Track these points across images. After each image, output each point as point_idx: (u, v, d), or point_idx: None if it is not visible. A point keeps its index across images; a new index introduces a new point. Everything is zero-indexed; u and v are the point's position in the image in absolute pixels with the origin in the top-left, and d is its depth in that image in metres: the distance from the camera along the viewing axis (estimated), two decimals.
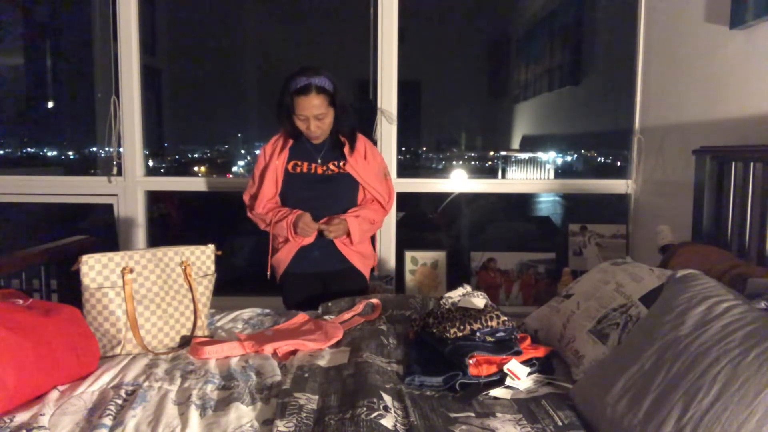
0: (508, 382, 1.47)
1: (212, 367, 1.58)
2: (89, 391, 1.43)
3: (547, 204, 3.59)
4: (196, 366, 1.60)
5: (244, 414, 1.31)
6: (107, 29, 2.97)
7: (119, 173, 3.02)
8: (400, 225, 3.09)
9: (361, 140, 2.33)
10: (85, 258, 1.70)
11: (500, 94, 3.62)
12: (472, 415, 1.32)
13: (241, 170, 3.59)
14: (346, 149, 2.28)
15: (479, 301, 1.68)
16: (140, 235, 3.07)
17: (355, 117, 2.32)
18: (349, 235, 2.26)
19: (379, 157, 2.40)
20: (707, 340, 1.13)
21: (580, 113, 3.52)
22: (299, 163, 2.29)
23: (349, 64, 3.25)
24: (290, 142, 2.29)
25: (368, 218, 2.30)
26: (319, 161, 2.29)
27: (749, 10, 1.95)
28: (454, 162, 3.56)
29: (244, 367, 1.58)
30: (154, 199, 3.19)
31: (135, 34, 2.95)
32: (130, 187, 3.02)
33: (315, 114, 2.15)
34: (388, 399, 1.33)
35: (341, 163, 2.28)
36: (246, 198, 2.38)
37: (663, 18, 2.71)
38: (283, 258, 2.30)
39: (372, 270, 2.49)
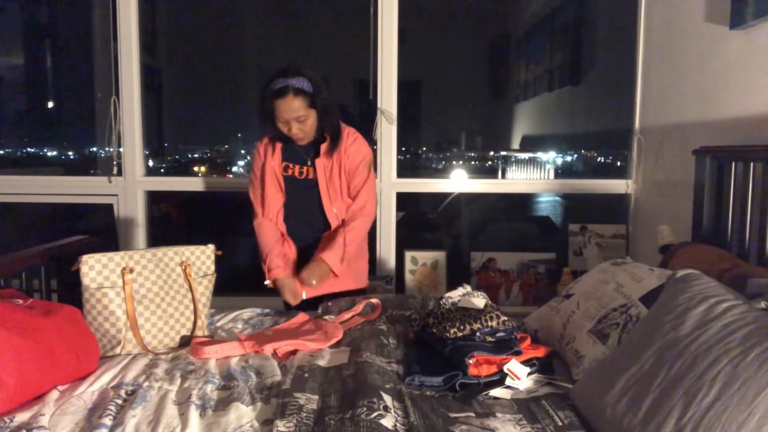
0: (508, 382, 1.47)
1: (212, 367, 1.58)
2: (89, 391, 1.44)
3: (547, 204, 3.59)
4: (196, 366, 1.60)
5: (244, 414, 1.31)
6: (107, 29, 2.97)
7: (119, 173, 3.03)
8: (400, 225, 3.09)
9: (345, 136, 2.25)
10: (85, 258, 1.70)
11: (500, 94, 3.62)
12: (472, 415, 1.32)
13: (241, 170, 3.59)
14: (324, 148, 2.21)
15: (479, 301, 1.68)
16: (140, 235, 3.07)
17: (339, 115, 2.24)
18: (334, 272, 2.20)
19: (363, 151, 2.28)
20: (707, 340, 1.13)
21: (580, 113, 3.52)
22: (290, 165, 2.27)
23: (349, 64, 3.25)
24: (279, 143, 2.27)
25: (350, 241, 2.21)
26: (309, 163, 2.26)
27: (749, 10, 1.95)
28: (454, 162, 3.55)
29: (244, 367, 1.58)
30: (154, 199, 3.19)
31: (135, 34, 2.95)
32: (130, 187, 3.02)
33: (294, 116, 2.09)
34: (388, 399, 1.33)
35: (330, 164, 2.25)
36: (252, 197, 2.33)
37: (663, 18, 2.70)
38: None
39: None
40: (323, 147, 2.22)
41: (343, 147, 2.24)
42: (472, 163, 3.57)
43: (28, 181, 3.11)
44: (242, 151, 3.66)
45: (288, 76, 2.07)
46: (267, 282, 2.23)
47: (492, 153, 3.63)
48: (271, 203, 2.27)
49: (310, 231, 2.29)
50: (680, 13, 2.51)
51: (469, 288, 1.78)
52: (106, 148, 3.05)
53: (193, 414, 1.30)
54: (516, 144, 3.60)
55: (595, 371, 1.38)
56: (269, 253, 2.22)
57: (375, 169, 2.44)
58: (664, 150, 2.65)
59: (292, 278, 2.21)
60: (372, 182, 2.31)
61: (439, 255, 3.05)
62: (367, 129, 2.93)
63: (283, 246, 2.27)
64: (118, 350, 1.70)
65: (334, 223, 2.25)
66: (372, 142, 2.42)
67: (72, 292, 1.83)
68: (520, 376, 1.48)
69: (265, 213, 2.28)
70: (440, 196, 3.32)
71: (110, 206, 3.06)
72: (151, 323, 1.75)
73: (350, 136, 2.27)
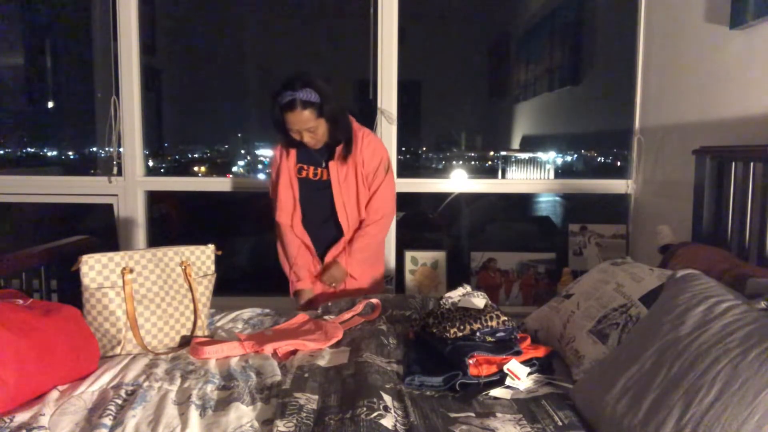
0: (508, 382, 1.47)
1: (212, 367, 1.58)
2: (89, 391, 1.44)
3: (547, 204, 3.59)
4: (196, 366, 1.60)
5: (244, 414, 1.31)
6: (107, 29, 2.97)
7: (119, 173, 3.02)
8: (400, 225, 3.09)
9: (359, 139, 2.28)
10: (85, 258, 1.70)
11: (500, 94, 3.62)
12: (472, 415, 1.32)
13: (241, 170, 3.59)
14: (339, 151, 2.26)
15: (479, 301, 1.68)
16: (140, 235, 3.07)
17: (349, 123, 2.28)
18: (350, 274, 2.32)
19: (379, 153, 2.32)
20: (707, 340, 1.13)
21: (580, 113, 3.52)
22: (305, 167, 2.30)
23: (349, 64, 3.25)
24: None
25: (359, 248, 2.31)
26: (323, 164, 2.29)
27: (749, 10, 1.95)
28: (454, 162, 3.55)
29: (244, 367, 1.58)
30: (154, 199, 3.19)
31: (135, 34, 2.95)
32: (130, 187, 3.02)
33: (305, 128, 2.14)
34: (388, 399, 1.33)
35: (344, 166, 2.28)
36: (272, 203, 2.40)
37: (663, 18, 2.71)
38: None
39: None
40: (338, 150, 2.26)
41: (357, 150, 2.26)
42: (472, 163, 3.57)
43: (28, 181, 3.11)
44: (242, 151, 3.66)
45: (295, 88, 2.10)
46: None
47: (492, 153, 3.63)
48: (284, 203, 2.32)
49: (325, 232, 2.32)
50: (680, 13, 2.51)
51: (469, 288, 1.78)
52: (106, 148, 3.05)
53: (193, 414, 1.30)
54: (516, 144, 3.60)
55: (595, 371, 1.38)
56: (294, 265, 2.35)
57: None
58: (664, 150, 2.65)
59: (312, 290, 2.38)
60: (390, 183, 2.35)
61: (439, 255, 3.05)
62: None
63: (306, 254, 2.37)
64: (118, 350, 1.70)
65: (345, 225, 2.29)
66: None
67: (72, 292, 1.83)
68: (520, 376, 1.48)
69: (280, 214, 2.33)
70: (440, 196, 3.32)
71: (110, 206, 3.06)
72: (151, 323, 1.75)
73: (364, 138, 2.29)
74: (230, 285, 2.88)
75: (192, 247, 1.88)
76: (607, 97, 3.31)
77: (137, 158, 3.01)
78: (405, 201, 3.18)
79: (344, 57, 3.32)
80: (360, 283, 2.36)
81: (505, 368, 1.48)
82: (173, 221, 3.50)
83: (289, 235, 2.33)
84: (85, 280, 1.70)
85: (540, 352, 1.60)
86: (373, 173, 2.30)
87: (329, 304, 2.13)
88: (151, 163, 3.25)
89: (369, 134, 2.32)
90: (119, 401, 1.38)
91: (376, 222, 2.31)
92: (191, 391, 1.42)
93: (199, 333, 1.84)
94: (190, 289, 1.84)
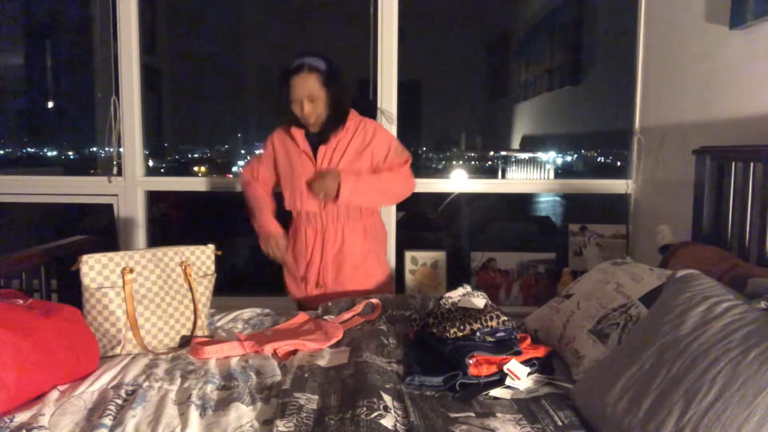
0: (508, 382, 1.47)
1: (212, 367, 1.58)
2: (89, 391, 1.44)
3: (547, 204, 3.59)
4: (196, 366, 1.60)
5: (244, 414, 1.31)
6: (107, 29, 2.97)
7: (119, 173, 3.03)
8: (400, 225, 3.09)
9: (361, 131, 2.24)
10: (85, 258, 1.70)
11: (500, 94, 3.62)
12: (472, 415, 1.32)
13: (241, 170, 3.59)
14: (330, 133, 2.22)
15: (479, 301, 1.68)
16: (140, 235, 3.07)
17: (347, 108, 2.23)
18: (338, 194, 2.12)
19: (387, 138, 2.29)
20: (707, 340, 1.13)
21: (580, 113, 3.52)
22: None
23: (349, 64, 3.25)
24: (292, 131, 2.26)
25: (372, 181, 2.19)
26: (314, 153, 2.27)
27: (749, 10, 1.95)
28: (454, 162, 3.56)
29: (244, 367, 1.58)
30: (154, 199, 3.19)
31: (135, 34, 2.95)
32: (130, 187, 3.02)
33: (307, 94, 2.10)
34: (388, 399, 1.33)
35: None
36: (247, 168, 2.42)
37: (663, 18, 2.71)
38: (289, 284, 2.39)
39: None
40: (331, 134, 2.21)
41: (365, 141, 2.23)
42: (472, 163, 3.58)
43: (28, 181, 3.11)
44: (242, 151, 3.66)
45: (306, 55, 2.14)
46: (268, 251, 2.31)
47: (492, 153, 3.63)
48: (256, 165, 2.37)
49: None
50: (680, 13, 2.51)
51: (469, 288, 1.78)
52: (106, 148, 3.05)
53: (193, 414, 1.30)
54: (516, 144, 3.60)
55: (595, 371, 1.38)
56: (262, 209, 2.30)
57: None
58: (664, 150, 2.65)
59: (283, 235, 2.29)
60: (408, 169, 2.30)
61: (439, 255, 3.05)
62: None
63: (272, 205, 2.35)
64: (118, 350, 1.71)
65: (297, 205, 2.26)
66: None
67: (72, 292, 1.83)
68: (520, 376, 1.48)
69: (247, 170, 2.40)
70: (440, 196, 3.32)
71: (110, 206, 3.06)
72: (151, 323, 1.75)
73: (367, 127, 2.26)
74: (230, 285, 2.88)
75: (192, 247, 1.88)
76: (607, 97, 3.31)
77: (137, 158, 3.01)
78: (405, 201, 3.17)
79: (344, 57, 3.31)
80: (365, 285, 2.32)
81: (505, 368, 1.48)
82: (173, 221, 3.50)
83: (254, 187, 2.34)
84: (85, 280, 1.70)
85: (540, 352, 1.60)
86: (384, 159, 2.25)
87: (329, 304, 2.12)
88: (151, 163, 3.25)
89: (372, 123, 2.29)
90: (119, 401, 1.38)
91: (395, 173, 2.24)
92: (191, 391, 1.42)
93: (199, 333, 1.84)
94: (190, 289, 1.84)
